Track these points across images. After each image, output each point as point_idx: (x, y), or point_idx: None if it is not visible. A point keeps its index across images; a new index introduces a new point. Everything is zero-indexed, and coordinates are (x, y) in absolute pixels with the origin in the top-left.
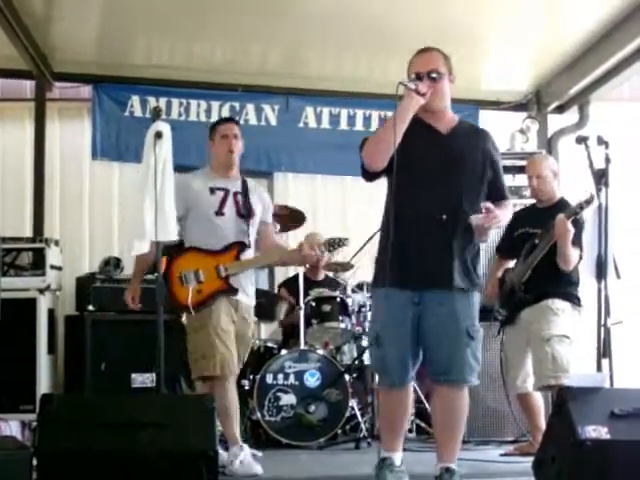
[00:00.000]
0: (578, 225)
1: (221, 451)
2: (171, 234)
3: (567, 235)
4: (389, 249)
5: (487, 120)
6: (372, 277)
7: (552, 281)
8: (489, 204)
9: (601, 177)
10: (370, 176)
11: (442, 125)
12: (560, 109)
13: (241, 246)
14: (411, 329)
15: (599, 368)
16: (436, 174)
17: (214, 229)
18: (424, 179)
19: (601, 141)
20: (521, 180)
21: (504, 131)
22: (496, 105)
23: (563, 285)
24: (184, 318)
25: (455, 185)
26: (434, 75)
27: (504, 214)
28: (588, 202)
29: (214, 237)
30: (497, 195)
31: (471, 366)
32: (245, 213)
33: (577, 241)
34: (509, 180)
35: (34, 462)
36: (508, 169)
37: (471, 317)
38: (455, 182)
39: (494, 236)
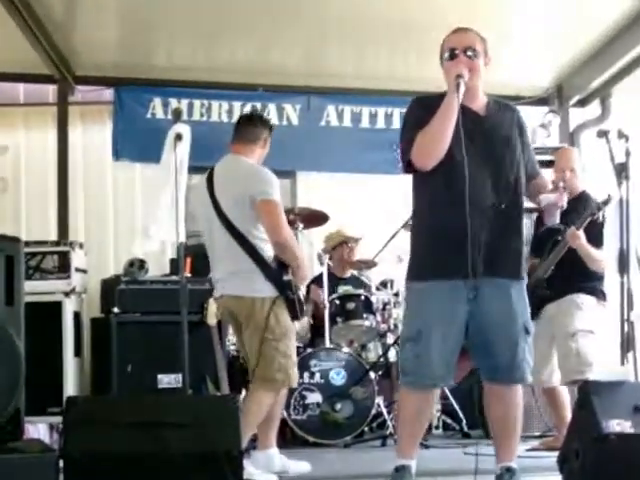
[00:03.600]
0: (597, 225)
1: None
2: (181, 235)
3: (581, 245)
4: (435, 237)
5: None
6: (410, 270)
7: (576, 276)
8: (560, 183)
9: (622, 171)
10: (414, 171)
11: (477, 105)
12: (582, 103)
13: None
14: (463, 327)
15: (623, 362)
16: (486, 158)
17: None
18: (474, 165)
19: (621, 135)
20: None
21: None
22: (516, 100)
23: (587, 279)
24: (277, 319)
25: (506, 167)
26: (470, 53)
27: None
28: (605, 203)
29: None
30: (533, 170)
31: (529, 363)
32: None
33: (599, 240)
34: None
35: (61, 465)
36: None
37: (526, 311)
38: (506, 164)
39: None
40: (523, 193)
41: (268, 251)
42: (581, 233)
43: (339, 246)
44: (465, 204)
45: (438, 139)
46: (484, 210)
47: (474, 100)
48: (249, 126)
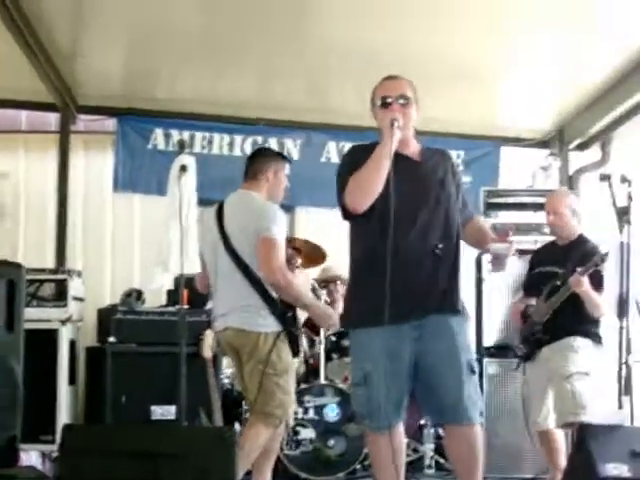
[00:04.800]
0: (598, 273)
1: None
2: (192, 267)
3: (585, 292)
4: (375, 283)
5: (508, 157)
6: (351, 317)
7: (573, 319)
8: (509, 230)
9: (624, 215)
10: (351, 216)
11: (410, 152)
12: (582, 147)
13: None
14: (408, 366)
15: (620, 406)
16: (422, 203)
17: None
18: (411, 210)
19: (624, 179)
20: (542, 217)
21: (525, 168)
22: (517, 142)
23: (584, 323)
24: (279, 355)
25: (442, 211)
26: (402, 101)
27: None
28: (603, 259)
29: None
30: (468, 213)
31: (475, 403)
32: None
33: (600, 285)
34: (530, 217)
35: None
36: (529, 206)
37: (469, 350)
38: (441, 208)
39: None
40: (459, 234)
41: None
42: (585, 279)
43: (331, 283)
44: (399, 249)
45: (369, 182)
46: (422, 253)
47: (408, 147)
48: (252, 163)
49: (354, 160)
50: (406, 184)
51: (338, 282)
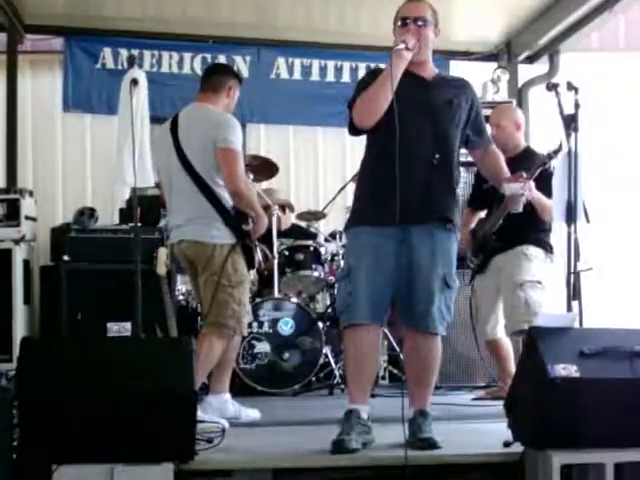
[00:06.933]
0: (547, 175)
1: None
2: (149, 180)
3: (534, 195)
4: (374, 186)
5: (457, 70)
6: (349, 217)
7: (524, 228)
8: (524, 173)
9: (571, 122)
10: (358, 132)
11: (426, 73)
12: (530, 59)
13: None
14: (392, 267)
15: (569, 310)
16: (426, 118)
17: None
18: (414, 123)
19: (571, 87)
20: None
21: (475, 81)
22: (466, 55)
23: (535, 232)
24: (234, 266)
25: (445, 128)
26: (420, 23)
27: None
28: (557, 152)
29: None
30: (484, 141)
31: (443, 316)
32: None
33: (550, 190)
34: None
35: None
36: None
37: (450, 265)
38: (444, 126)
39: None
40: (457, 154)
41: (229, 199)
42: (532, 183)
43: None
44: (401, 158)
45: (373, 100)
46: (419, 162)
47: (424, 69)
48: (212, 75)
49: (365, 81)
50: (412, 102)
51: (286, 209)
